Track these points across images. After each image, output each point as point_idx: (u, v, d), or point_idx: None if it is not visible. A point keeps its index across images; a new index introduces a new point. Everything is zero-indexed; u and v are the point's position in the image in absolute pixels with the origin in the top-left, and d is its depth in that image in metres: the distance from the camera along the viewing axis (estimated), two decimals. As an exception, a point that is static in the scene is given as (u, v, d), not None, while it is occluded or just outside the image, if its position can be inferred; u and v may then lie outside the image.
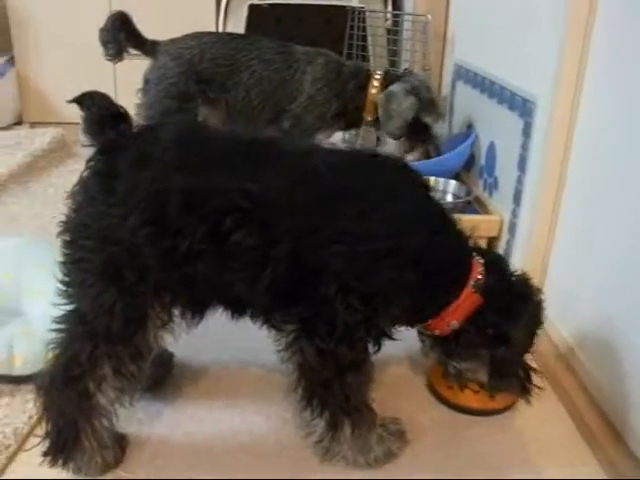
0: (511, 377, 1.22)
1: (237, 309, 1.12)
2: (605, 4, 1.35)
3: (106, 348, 1.03)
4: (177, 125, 1.12)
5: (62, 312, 1.06)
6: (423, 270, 1.06)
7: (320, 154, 1.09)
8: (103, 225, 1.00)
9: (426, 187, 1.16)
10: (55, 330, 1.06)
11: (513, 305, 1.15)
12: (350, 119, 2.21)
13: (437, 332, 1.19)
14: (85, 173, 1.04)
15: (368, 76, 2.17)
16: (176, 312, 1.11)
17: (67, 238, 1.04)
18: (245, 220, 0.99)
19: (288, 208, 1.01)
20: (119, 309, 1.01)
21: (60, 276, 1.05)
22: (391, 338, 1.13)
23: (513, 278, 1.19)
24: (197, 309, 1.12)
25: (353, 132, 2.56)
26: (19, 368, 1.29)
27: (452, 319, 1.15)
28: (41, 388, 1.06)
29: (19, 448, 1.16)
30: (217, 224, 0.99)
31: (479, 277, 1.14)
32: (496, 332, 1.15)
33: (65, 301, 1.06)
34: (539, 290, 1.20)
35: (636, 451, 1.13)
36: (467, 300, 1.14)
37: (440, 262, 1.10)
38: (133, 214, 0.98)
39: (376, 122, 2.20)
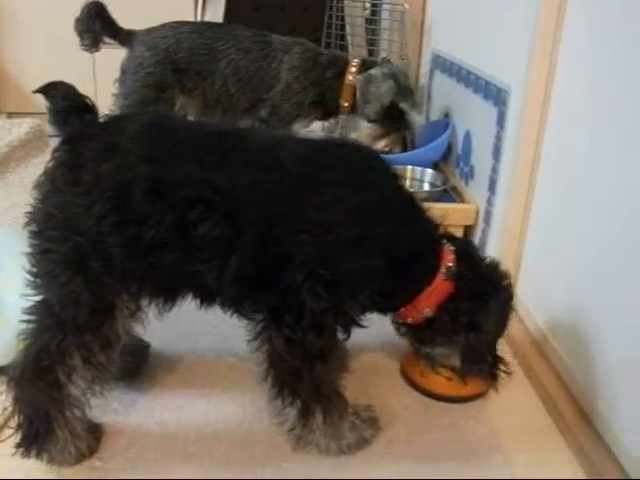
0: (482, 363, 1.24)
1: (205, 298, 1.13)
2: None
3: (75, 338, 1.04)
4: (144, 116, 1.12)
5: (31, 303, 1.06)
6: (391, 258, 1.07)
7: (288, 145, 1.09)
8: (69, 215, 1.00)
9: (395, 176, 1.17)
10: (25, 321, 1.06)
11: (484, 292, 1.17)
12: (328, 107, 2.22)
13: (410, 320, 1.20)
14: (50, 163, 1.04)
15: (345, 64, 2.18)
16: (145, 301, 1.12)
17: (34, 229, 1.04)
18: (211, 211, 1.00)
19: (254, 200, 1.02)
20: (85, 299, 1.02)
21: (28, 267, 1.05)
22: (360, 326, 1.14)
23: (483, 264, 1.21)
24: (165, 297, 1.12)
25: (332, 121, 2.56)
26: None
27: (425, 307, 1.16)
28: (12, 380, 1.06)
29: (-7, 439, 1.16)
30: (182, 215, 1.00)
31: (450, 264, 1.15)
32: (468, 319, 1.17)
33: (33, 292, 1.06)
34: (508, 274, 1.22)
35: (605, 436, 1.16)
36: (439, 287, 1.15)
37: (408, 250, 1.11)
38: (98, 203, 0.98)
39: (353, 108, 2.21)
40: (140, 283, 1.06)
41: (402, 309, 1.19)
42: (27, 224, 1.04)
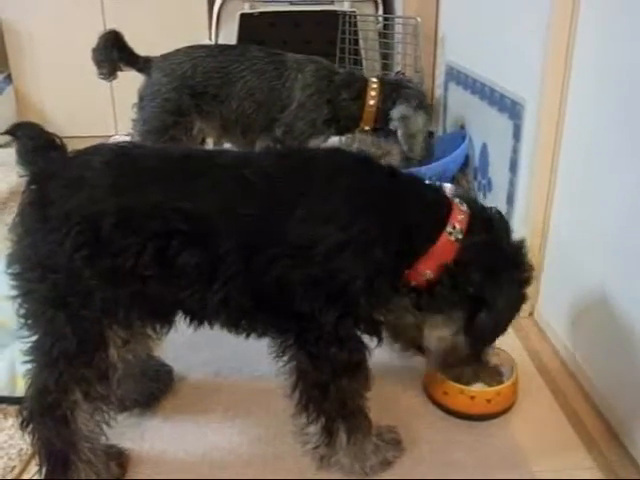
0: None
1: (197, 321, 1.14)
2: (587, 6, 1.36)
3: (70, 373, 1.04)
4: (108, 147, 1.11)
5: (28, 344, 1.07)
6: (389, 245, 1.05)
7: (254, 163, 1.09)
8: (42, 254, 1.01)
9: (366, 161, 1.14)
10: (26, 362, 1.08)
11: (499, 269, 1.11)
12: (343, 125, 2.23)
13: (413, 283, 1.13)
14: (21, 204, 1.05)
15: (363, 86, 2.18)
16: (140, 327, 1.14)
17: (14, 271, 1.04)
18: (186, 242, 1.01)
19: (228, 227, 1.02)
20: (70, 333, 1.02)
21: (17, 309, 1.06)
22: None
23: (505, 237, 1.14)
24: (158, 322, 1.14)
25: (349, 136, 2.57)
26: (22, 389, 1.31)
27: (426, 268, 1.10)
28: (23, 421, 1.08)
29: (23, 470, 1.18)
30: (159, 246, 1.01)
31: (457, 224, 1.09)
32: (474, 291, 1.11)
33: (27, 333, 1.06)
34: (530, 266, 1.16)
35: (634, 453, 1.15)
36: (441, 247, 1.09)
37: (404, 229, 1.07)
38: (68, 239, 0.99)
39: (373, 131, 2.23)
40: (127, 312, 1.06)
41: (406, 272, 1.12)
42: (7, 266, 1.05)
